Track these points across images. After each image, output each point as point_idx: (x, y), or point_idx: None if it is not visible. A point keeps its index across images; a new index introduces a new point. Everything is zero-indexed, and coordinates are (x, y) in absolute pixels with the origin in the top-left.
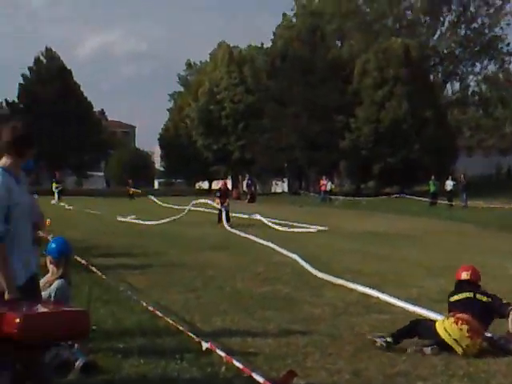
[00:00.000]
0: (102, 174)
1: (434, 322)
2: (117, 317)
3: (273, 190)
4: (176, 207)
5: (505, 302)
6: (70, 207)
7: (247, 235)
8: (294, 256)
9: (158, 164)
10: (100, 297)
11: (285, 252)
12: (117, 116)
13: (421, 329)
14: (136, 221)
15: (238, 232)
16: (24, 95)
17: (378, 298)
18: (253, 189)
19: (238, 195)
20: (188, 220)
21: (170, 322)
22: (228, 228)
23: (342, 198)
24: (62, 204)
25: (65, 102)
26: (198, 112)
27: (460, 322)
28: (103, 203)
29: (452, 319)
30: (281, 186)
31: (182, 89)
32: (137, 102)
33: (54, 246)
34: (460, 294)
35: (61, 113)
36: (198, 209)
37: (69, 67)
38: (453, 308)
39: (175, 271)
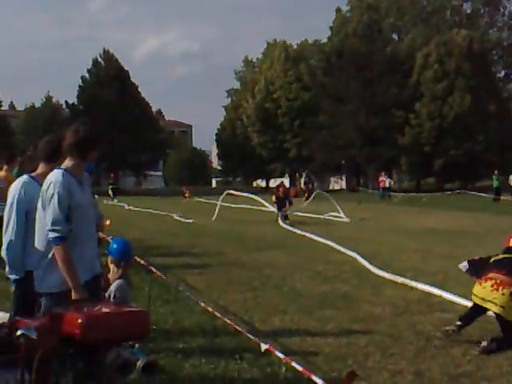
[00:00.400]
0: (160, 173)
1: None
2: (176, 317)
3: (331, 187)
4: (234, 206)
5: None
6: (130, 207)
7: (305, 233)
8: (353, 254)
9: (215, 163)
10: (160, 296)
11: (343, 250)
12: (174, 115)
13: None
14: (189, 220)
15: (295, 230)
16: (83, 97)
17: (440, 296)
18: (311, 186)
19: (296, 193)
20: (245, 218)
21: (229, 322)
22: (284, 225)
23: (401, 195)
24: (119, 203)
25: (123, 102)
26: (255, 109)
27: (483, 281)
28: (162, 203)
29: (476, 283)
30: (339, 183)
31: (238, 85)
32: (193, 101)
33: (115, 246)
34: (500, 256)
35: (119, 113)
36: (253, 207)
37: (126, 68)
38: (488, 269)
39: (233, 271)
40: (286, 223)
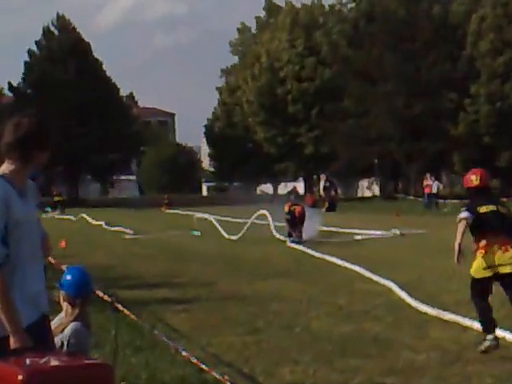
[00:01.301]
0: (133, 177)
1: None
2: (152, 369)
3: (360, 194)
4: (235, 220)
5: None
6: (71, 217)
7: (323, 255)
8: (388, 282)
9: (206, 163)
10: (131, 343)
11: (375, 277)
12: (151, 101)
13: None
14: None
15: (310, 251)
16: (30, 77)
17: (504, 338)
18: (332, 193)
19: (314, 201)
20: (245, 236)
21: (222, 377)
22: (296, 246)
23: (453, 202)
24: (67, 217)
25: (82, 84)
26: (257, 94)
27: (482, 251)
28: (135, 217)
29: (477, 255)
30: (371, 189)
31: (235, 60)
32: (177, 81)
33: (69, 278)
34: (486, 206)
35: (77, 99)
36: (258, 221)
37: (87, 40)
38: (483, 222)
39: (229, 306)
40: (297, 242)
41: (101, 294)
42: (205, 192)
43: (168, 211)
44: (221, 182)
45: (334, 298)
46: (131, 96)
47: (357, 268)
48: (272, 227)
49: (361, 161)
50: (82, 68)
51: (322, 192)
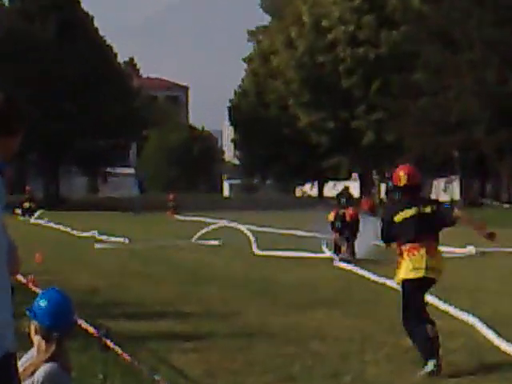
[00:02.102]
0: (131, 170)
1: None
2: None
3: (434, 197)
4: (259, 230)
5: (448, 208)
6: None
7: (382, 279)
8: (470, 318)
9: (228, 154)
10: None
11: (452, 310)
12: (158, 71)
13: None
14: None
15: (365, 273)
16: (1, 37)
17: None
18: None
19: (372, 207)
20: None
21: None
22: (342, 265)
23: None
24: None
25: (68, 47)
26: (297, 67)
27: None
28: (134, 223)
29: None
30: (449, 191)
31: (268, 19)
32: (191, 45)
33: (43, 304)
34: (404, 212)
35: (59, 66)
36: (299, 233)
37: None
38: (399, 231)
39: (255, 345)
40: (348, 261)
41: (85, 325)
42: (226, 192)
43: (177, 217)
44: (248, 178)
45: (397, 336)
46: (131, 63)
47: (427, 298)
48: (321, 242)
49: (436, 153)
50: (67, 24)
51: (383, 195)
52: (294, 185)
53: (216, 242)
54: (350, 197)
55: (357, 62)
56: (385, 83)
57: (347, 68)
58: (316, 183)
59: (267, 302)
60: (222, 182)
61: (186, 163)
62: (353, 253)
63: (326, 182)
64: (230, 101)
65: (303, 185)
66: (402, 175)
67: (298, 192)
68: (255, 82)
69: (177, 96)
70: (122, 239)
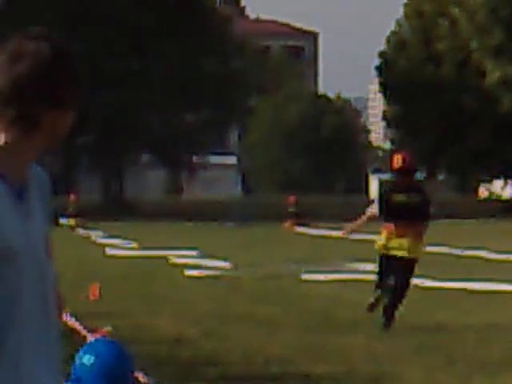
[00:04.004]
0: (231, 160)
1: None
2: None
3: None
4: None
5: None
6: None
7: None
8: None
9: (376, 134)
10: None
11: None
12: (270, 10)
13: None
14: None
15: None
16: None
17: None
18: None
19: None
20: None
21: None
22: None
23: None
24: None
25: None
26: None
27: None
28: (236, 238)
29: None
30: None
31: None
32: None
33: (89, 362)
34: (399, 196)
35: (122, 9)
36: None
37: None
38: (392, 213)
39: None
40: None
41: None
42: (374, 191)
43: (298, 230)
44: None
45: None
46: (234, 1)
47: None
48: None
49: None
50: None
51: None
52: (476, 181)
53: (369, 267)
54: None
55: None
56: None
57: None
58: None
59: (437, 358)
60: (367, 177)
61: (313, 149)
62: None
63: None
64: (380, 54)
65: (490, 182)
66: (396, 159)
67: (482, 192)
68: (419, 25)
69: (300, 47)
70: (221, 263)
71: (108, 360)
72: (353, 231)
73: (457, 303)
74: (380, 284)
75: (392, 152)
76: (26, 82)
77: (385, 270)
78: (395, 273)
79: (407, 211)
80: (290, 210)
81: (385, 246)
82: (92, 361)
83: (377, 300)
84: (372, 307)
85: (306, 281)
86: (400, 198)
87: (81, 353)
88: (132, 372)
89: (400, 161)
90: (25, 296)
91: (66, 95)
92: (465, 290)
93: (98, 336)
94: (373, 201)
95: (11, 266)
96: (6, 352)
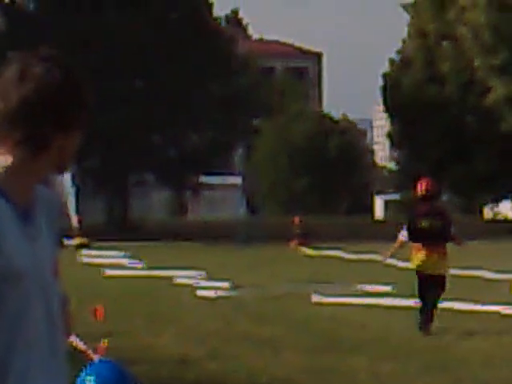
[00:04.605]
0: (236, 180)
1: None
2: None
3: None
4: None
5: (452, 229)
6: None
7: None
8: None
9: (381, 154)
10: None
11: None
12: (273, 30)
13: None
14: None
15: None
16: None
17: None
18: None
19: None
20: None
21: None
22: None
23: None
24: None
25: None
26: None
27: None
28: (237, 258)
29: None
30: None
31: None
32: None
33: (88, 383)
34: (424, 221)
35: (124, 26)
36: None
37: None
38: (418, 237)
39: None
40: None
41: None
42: (379, 212)
43: (305, 251)
44: (412, 192)
45: None
46: (235, 17)
47: None
48: None
49: None
50: None
51: None
52: (480, 202)
53: (386, 288)
54: None
55: None
56: None
57: None
58: None
59: (443, 379)
60: (372, 198)
61: (318, 169)
62: None
63: None
64: (384, 75)
65: (497, 202)
66: (419, 187)
67: (488, 212)
68: (422, 45)
69: (304, 68)
70: (226, 283)
71: (108, 381)
72: (390, 256)
73: (463, 324)
74: (424, 304)
75: (416, 179)
76: (34, 103)
77: (423, 287)
78: (430, 289)
79: (430, 235)
80: (295, 230)
81: (419, 266)
82: (93, 382)
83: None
84: (425, 329)
85: (316, 303)
86: (424, 223)
87: (82, 374)
88: None
89: (424, 187)
90: (31, 317)
91: (74, 118)
92: (471, 310)
93: (97, 353)
94: (402, 227)
95: (15, 287)
96: (13, 372)
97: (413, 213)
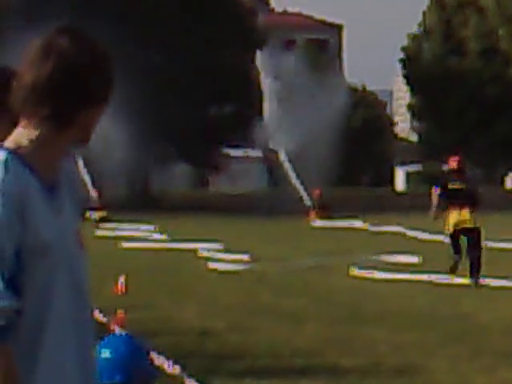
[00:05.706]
0: (257, 153)
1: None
2: None
3: None
4: None
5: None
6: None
7: None
8: None
9: (402, 126)
10: None
11: None
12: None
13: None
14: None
15: None
16: None
17: None
18: None
19: None
20: None
21: None
22: None
23: None
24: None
25: None
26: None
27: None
28: (260, 231)
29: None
30: None
31: None
32: None
33: (105, 355)
34: (452, 183)
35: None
36: None
37: None
38: (450, 196)
39: None
40: None
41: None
42: (400, 184)
43: (322, 224)
44: (434, 163)
45: None
46: None
47: None
48: None
49: None
50: None
51: None
52: (502, 172)
53: (414, 259)
54: None
55: None
56: None
57: None
58: None
59: (463, 350)
60: (392, 170)
61: (340, 141)
62: None
63: None
64: (404, 48)
65: None
66: (452, 163)
67: (510, 182)
68: (443, 16)
69: (325, 40)
70: (247, 256)
71: (123, 354)
72: (436, 215)
73: (483, 295)
74: (457, 250)
75: (439, 150)
76: (60, 78)
77: (458, 240)
78: (469, 241)
79: (461, 196)
80: (315, 202)
81: (454, 224)
82: (108, 355)
83: (456, 262)
84: (454, 270)
85: (330, 271)
86: (455, 185)
87: (97, 348)
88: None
89: (455, 163)
90: (59, 289)
91: (99, 92)
92: (491, 283)
93: (116, 324)
94: (433, 188)
95: (43, 260)
96: (44, 346)
97: (445, 176)
